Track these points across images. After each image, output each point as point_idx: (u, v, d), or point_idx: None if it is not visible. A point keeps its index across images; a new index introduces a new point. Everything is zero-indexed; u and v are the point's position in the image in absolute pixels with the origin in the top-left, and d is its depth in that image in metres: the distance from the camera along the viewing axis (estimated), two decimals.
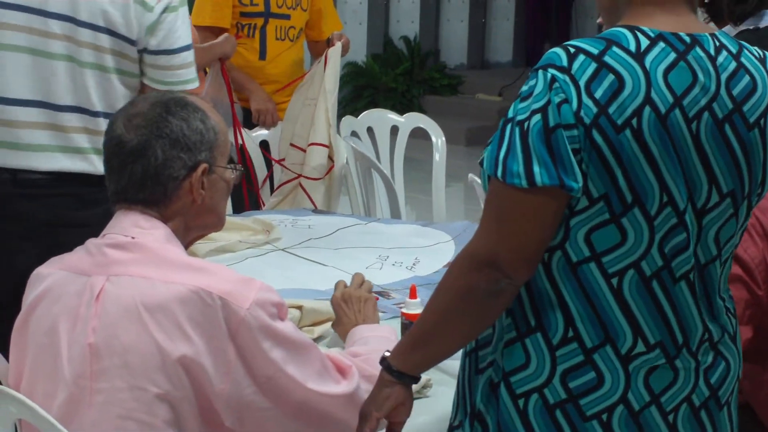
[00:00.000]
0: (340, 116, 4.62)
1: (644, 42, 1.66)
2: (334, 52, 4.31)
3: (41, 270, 2.06)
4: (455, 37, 10.87)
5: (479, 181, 3.75)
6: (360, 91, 9.86)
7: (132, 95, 2.68)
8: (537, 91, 1.63)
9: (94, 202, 2.59)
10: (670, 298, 1.71)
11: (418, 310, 2.45)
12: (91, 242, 2.04)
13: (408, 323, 2.44)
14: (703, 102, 1.68)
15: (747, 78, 1.72)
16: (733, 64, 1.72)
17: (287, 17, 4.53)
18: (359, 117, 4.76)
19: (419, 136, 4.71)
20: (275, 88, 4.53)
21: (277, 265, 3.22)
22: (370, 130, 4.72)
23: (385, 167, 4.50)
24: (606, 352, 1.70)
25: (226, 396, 1.90)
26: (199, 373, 1.88)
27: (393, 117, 4.85)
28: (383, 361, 1.84)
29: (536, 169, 1.61)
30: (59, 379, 1.94)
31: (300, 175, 4.28)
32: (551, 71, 1.64)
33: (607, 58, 1.63)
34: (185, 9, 2.73)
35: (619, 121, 1.62)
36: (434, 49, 10.68)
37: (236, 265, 3.12)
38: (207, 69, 4.45)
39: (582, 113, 1.61)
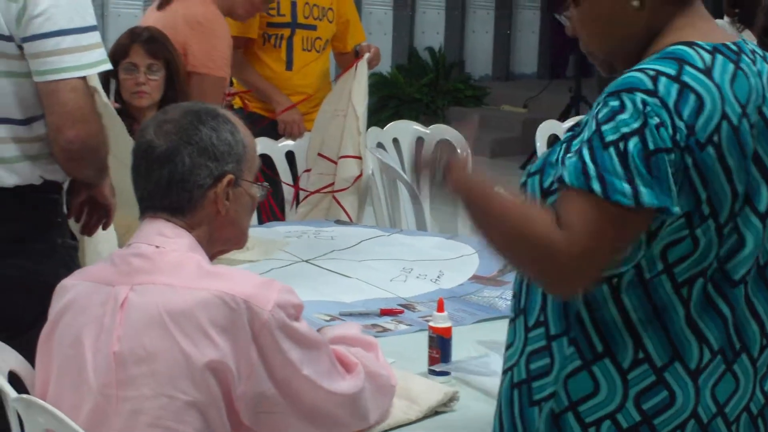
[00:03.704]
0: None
1: (707, 57, 1.66)
2: (364, 64, 4.31)
3: (66, 282, 2.07)
4: (480, 48, 10.85)
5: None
6: (385, 102, 9.84)
7: (33, 100, 2.52)
8: (627, 113, 1.59)
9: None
10: (728, 301, 1.70)
11: (446, 324, 2.44)
12: (116, 253, 2.05)
13: (436, 336, 2.42)
14: (757, 106, 1.69)
15: None
16: (765, 66, 1.74)
17: (314, 28, 4.53)
18: (385, 128, 4.74)
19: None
20: (302, 98, 4.51)
21: (301, 276, 3.21)
22: (395, 141, 4.71)
23: (411, 178, 4.47)
24: (675, 369, 1.68)
25: (247, 397, 1.92)
26: (227, 376, 1.89)
27: (418, 128, 4.83)
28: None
29: (642, 189, 1.58)
30: (85, 389, 1.94)
31: (328, 185, 4.26)
32: (639, 95, 1.60)
33: (685, 78, 1.62)
34: None
35: (703, 140, 1.61)
36: (459, 60, 10.67)
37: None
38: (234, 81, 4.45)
39: (677, 137, 1.60)
